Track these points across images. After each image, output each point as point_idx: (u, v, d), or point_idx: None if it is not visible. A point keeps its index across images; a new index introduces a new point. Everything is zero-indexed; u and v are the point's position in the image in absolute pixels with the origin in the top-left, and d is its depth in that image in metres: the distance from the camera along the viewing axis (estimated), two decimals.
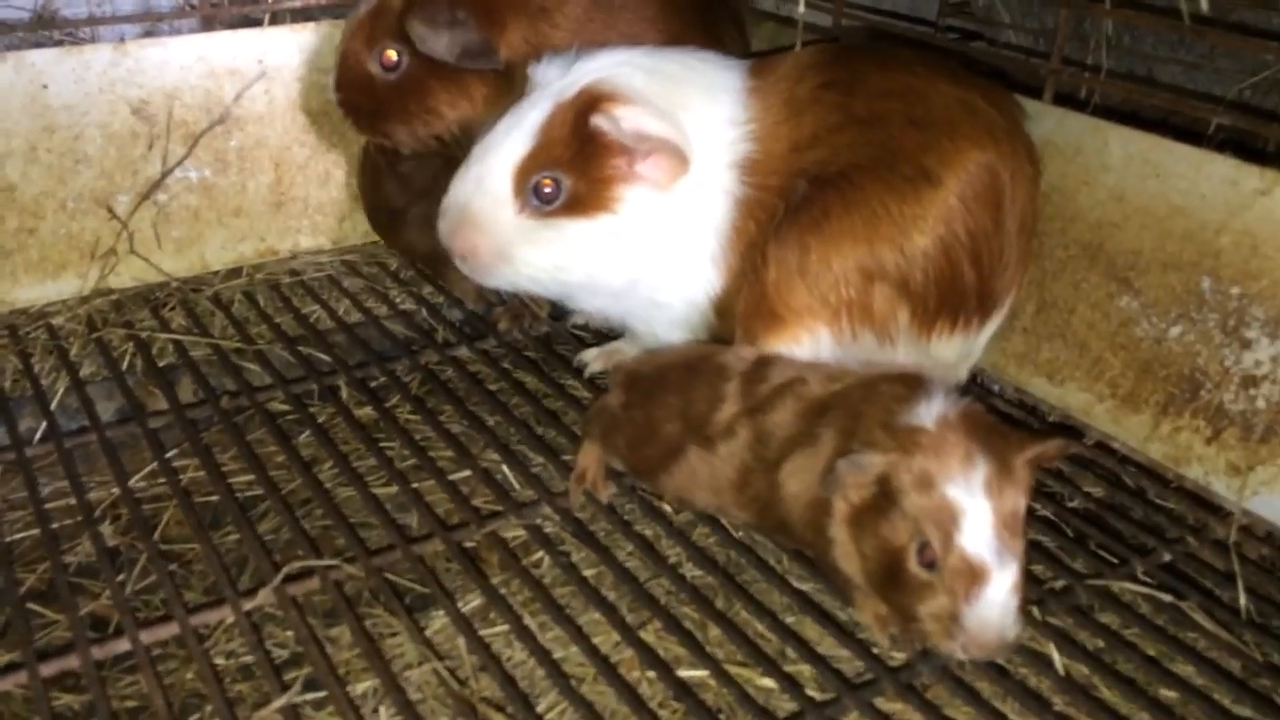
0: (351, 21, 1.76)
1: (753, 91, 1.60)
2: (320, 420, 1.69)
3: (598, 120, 1.49)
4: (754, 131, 1.57)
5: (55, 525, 1.47)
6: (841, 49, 1.73)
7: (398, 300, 2.05)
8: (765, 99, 1.59)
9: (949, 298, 1.56)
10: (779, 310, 1.54)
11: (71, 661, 1.24)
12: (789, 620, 1.33)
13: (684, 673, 1.26)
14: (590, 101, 1.50)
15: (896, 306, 1.54)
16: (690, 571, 1.42)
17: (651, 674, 1.25)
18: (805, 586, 1.39)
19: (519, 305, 1.96)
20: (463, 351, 1.90)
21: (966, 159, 1.53)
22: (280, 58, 2.04)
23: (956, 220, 1.53)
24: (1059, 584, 1.39)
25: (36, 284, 1.94)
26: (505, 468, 1.60)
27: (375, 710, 1.22)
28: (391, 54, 1.72)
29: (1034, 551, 1.44)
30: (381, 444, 1.64)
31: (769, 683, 1.24)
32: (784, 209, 1.55)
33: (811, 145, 1.56)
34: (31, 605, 1.36)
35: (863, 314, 1.54)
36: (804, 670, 1.26)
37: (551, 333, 1.97)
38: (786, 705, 1.22)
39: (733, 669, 1.25)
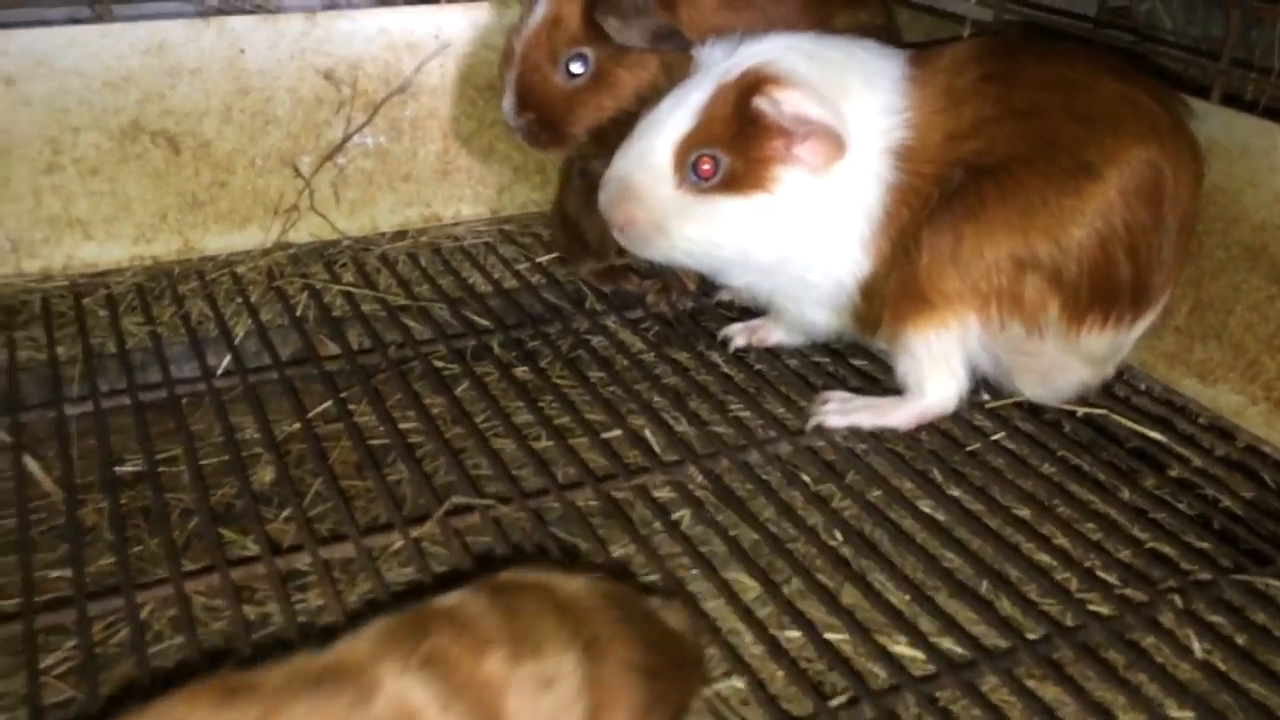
0: (522, 41, 1.79)
1: (912, 80, 1.63)
2: (477, 374, 1.79)
3: (759, 102, 1.54)
4: (911, 119, 1.60)
5: (234, 455, 1.59)
6: (1003, 42, 1.74)
7: (551, 269, 2.14)
8: (924, 89, 1.62)
9: (1102, 292, 1.56)
10: (929, 295, 1.57)
11: (257, 569, 1.36)
12: (927, 588, 1.37)
13: (821, 626, 1.30)
14: (753, 83, 1.55)
15: (1048, 298, 1.56)
16: (829, 538, 1.46)
17: (793, 633, 1.30)
18: (946, 557, 1.42)
19: (668, 279, 2.03)
20: (611, 320, 1.98)
21: (1129, 154, 1.53)
22: (455, 32, 2.15)
23: (1115, 214, 1.53)
24: (1203, 577, 1.39)
25: (224, 234, 2.09)
26: (648, 431, 1.67)
27: None
28: (581, 60, 1.78)
29: (1179, 546, 1.44)
30: (535, 400, 1.72)
31: (905, 644, 1.28)
32: (938, 196, 1.57)
33: (969, 135, 1.58)
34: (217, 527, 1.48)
35: (1013, 303, 1.56)
36: (941, 638, 1.29)
37: (697, 308, 2.03)
38: (924, 667, 1.25)
39: (870, 630, 1.29)
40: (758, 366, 1.86)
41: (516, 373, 1.80)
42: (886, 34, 1.91)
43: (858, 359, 1.87)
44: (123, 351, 1.78)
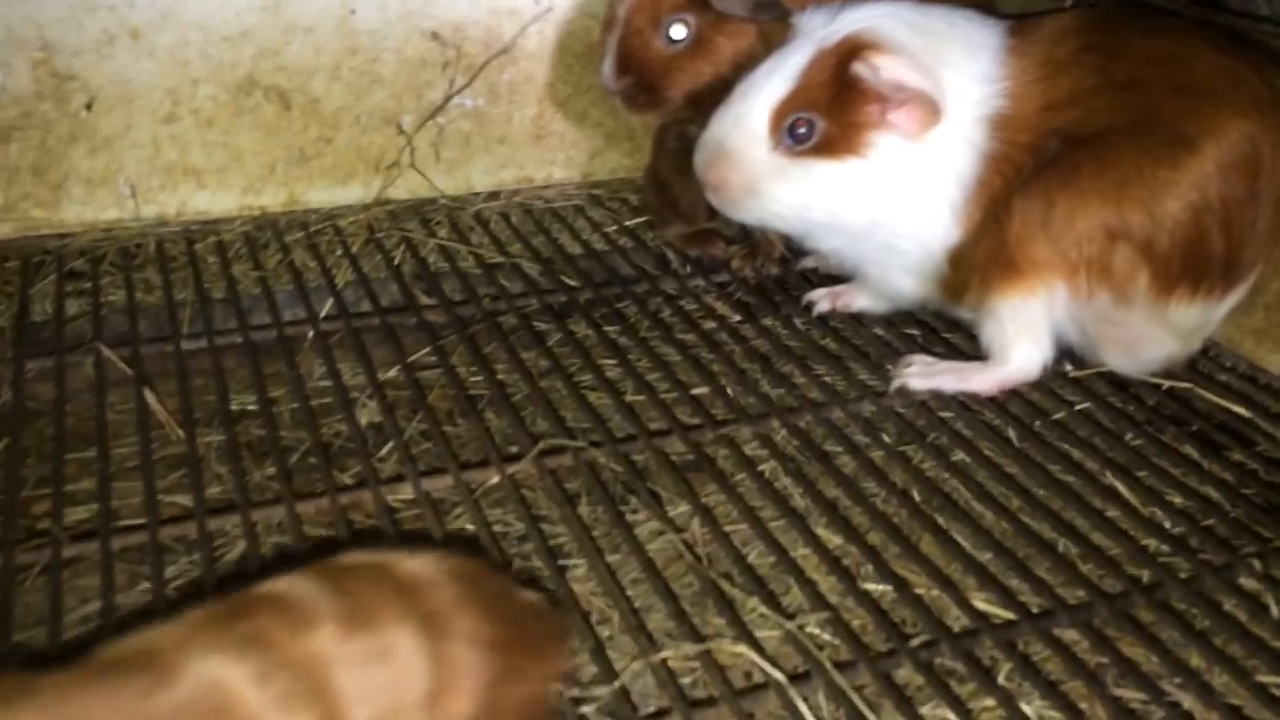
0: (626, 6, 1.84)
1: (1011, 50, 1.64)
2: (568, 329, 1.85)
3: (858, 67, 1.57)
4: (1008, 89, 1.62)
5: (338, 394, 1.66)
6: (1103, 15, 1.74)
7: (639, 233, 2.19)
8: (1022, 59, 1.63)
9: (1193, 264, 1.57)
10: (1019, 261, 1.59)
11: (363, 495, 1.43)
12: (1006, 545, 1.39)
13: (883, 603, 1.32)
14: (852, 49, 1.58)
15: (1138, 268, 1.57)
16: (910, 494, 1.50)
17: (874, 585, 1.34)
18: (1026, 517, 1.45)
19: (756, 245, 2.07)
20: (698, 283, 2.02)
21: (1228, 127, 1.54)
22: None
23: (1211, 187, 1.53)
24: None
25: (328, 188, 2.17)
26: (733, 389, 1.71)
27: (593, 598, 1.34)
28: (682, 24, 1.82)
29: (1262, 516, 1.45)
30: (623, 356, 1.78)
31: (983, 597, 1.31)
32: (1032, 165, 1.59)
33: (1066, 106, 1.60)
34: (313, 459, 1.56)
35: (1102, 273, 1.57)
36: (1020, 592, 1.32)
37: (782, 275, 2.07)
38: (1003, 614, 1.28)
39: (927, 598, 1.32)
40: (843, 333, 1.89)
41: (606, 330, 1.86)
42: (987, 11, 1.92)
43: (946, 331, 1.89)
44: (233, 295, 1.87)
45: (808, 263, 2.08)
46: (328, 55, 2.09)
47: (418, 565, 0.91)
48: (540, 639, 0.98)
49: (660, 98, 1.89)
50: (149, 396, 1.62)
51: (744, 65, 1.81)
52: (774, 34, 1.77)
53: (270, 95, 2.07)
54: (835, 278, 1.99)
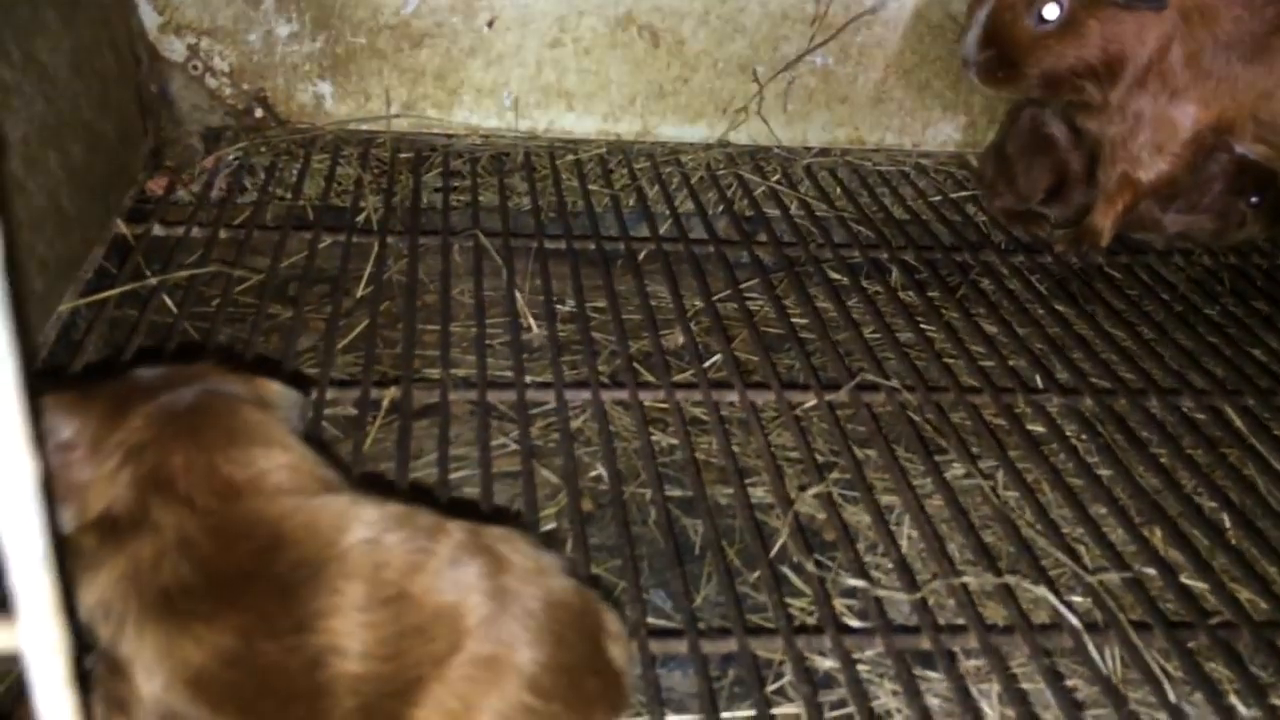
0: None
1: None
2: (890, 284, 1.94)
3: None
4: None
5: (677, 307, 1.82)
6: None
7: (963, 206, 2.25)
8: None
9: None
10: None
11: (693, 394, 1.59)
12: None
13: (1184, 579, 1.35)
14: None
15: None
16: (1233, 495, 1.50)
17: (1183, 566, 1.37)
18: None
19: (1082, 231, 2.08)
20: (1020, 259, 2.06)
21: None
22: None
23: None
24: None
25: (677, 125, 2.34)
26: (1044, 362, 1.75)
27: (900, 523, 1.44)
28: (1056, 4, 1.85)
29: None
30: (942, 315, 1.85)
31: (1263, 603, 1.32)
32: None
33: None
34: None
35: None
36: None
37: (1105, 263, 2.08)
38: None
39: (1230, 584, 1.34)
40: (1167, 327, 1.89)
41: (928, 292, 1.93)
42: None
43: None
44: (587, 207, 2.08)
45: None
46: (700, 1, 2.25)
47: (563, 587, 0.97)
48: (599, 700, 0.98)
49: (1017, 74, 1.92)
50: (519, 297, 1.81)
51: (1112, 51, 1.83)
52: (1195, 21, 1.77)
53: (643, 33, 2.25)
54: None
